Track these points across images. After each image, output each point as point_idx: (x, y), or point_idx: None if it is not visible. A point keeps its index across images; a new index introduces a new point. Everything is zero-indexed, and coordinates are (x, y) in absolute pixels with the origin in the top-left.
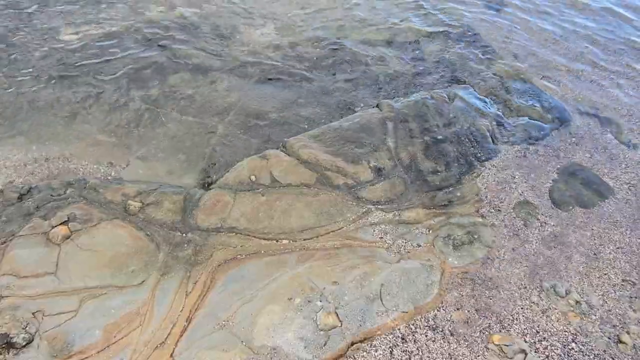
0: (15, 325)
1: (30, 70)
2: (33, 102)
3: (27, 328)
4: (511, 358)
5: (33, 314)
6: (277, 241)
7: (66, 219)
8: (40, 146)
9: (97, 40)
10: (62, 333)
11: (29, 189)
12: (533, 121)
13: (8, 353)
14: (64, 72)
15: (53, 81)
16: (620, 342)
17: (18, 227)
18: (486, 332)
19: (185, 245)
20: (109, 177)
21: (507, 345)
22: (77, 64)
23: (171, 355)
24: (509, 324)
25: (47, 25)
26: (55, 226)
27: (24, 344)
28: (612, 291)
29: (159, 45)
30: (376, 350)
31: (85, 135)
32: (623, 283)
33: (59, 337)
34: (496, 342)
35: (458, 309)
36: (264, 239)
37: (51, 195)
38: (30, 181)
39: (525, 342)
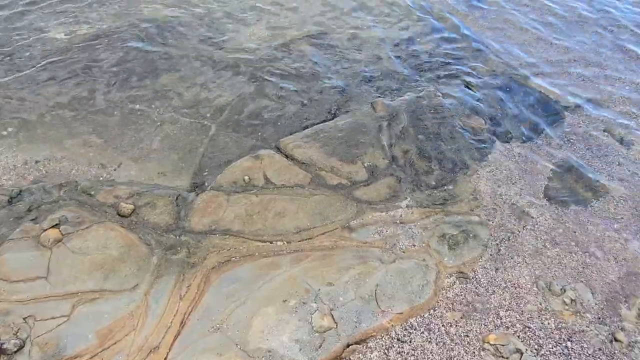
0: (6, 330)
1: (20, 70)
2: (22, 102)
3: (18, 333)
4: (507, 358)
5: (24, 319)
6: (271, 243)
7: (57, 222)
8: (30, 148)
9: (88, 40)
10: (54, 338)
11: (19, 192)
12: (527, 119)
13: None
14: (54, 72)
15: (43, 81)
16: (616, 340)
17: (8, 231)
18: (482, 332)
19: (179, 247)
20: (101, 179)
21: (503, 345)
22: (67, 64)
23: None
24: (504, 324)
25: (37, 25)
26: (46, 229)
27: (15, 349)
28: (607, 289)
29: (150, 45)
30: (372, 352)
31: (76, 136)
32: (618, 280)
33: (51, 343)
34: (492, 342)
35: (454, 309)
36: (258, 240)
37: (42, 198)
38: (20, 184)
39: (521, 341)
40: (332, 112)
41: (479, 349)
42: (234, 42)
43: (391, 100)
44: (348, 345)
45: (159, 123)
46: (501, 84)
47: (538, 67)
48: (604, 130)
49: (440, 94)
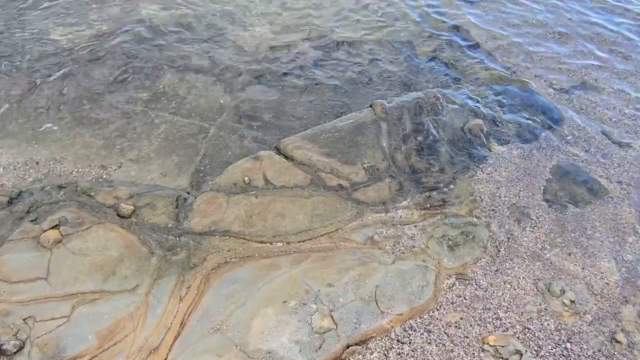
0: (5, 331)
1: (21, 71)
2: (22, 104)
3: (18, 334)
4: (507, 359)
5: (24, 320)
6: (271, 244)
7: (57, 223)
8: (30, 149)
9: (88, 41)
10: (54, 339)
11: (19, 193)
12: (526, 121)
13: None
14: (54, 73)
15: (43, 82)
16: (615, 341)
17: (8, 232)
18: (481, 333)
19: (179, 248)
20: (101, 180)
21: (502, 346)
22: (67, 65)
23: None
24: (504, 325)
25: (37, 26)
26: (46, 230)
27: (15, 350)
28: (607, 290)
29: (150, 46)
30: (371, 353)
31: (77, 137)
32: (617, 281)
33: (50, 344)
34: (492, 343)
35: (453, 310)
36: (258, 241)
37: (42, 198)
38: (20, 185)
39: (521, 342)
40: (332, 113)
41: (479, 350)
42: (234, 43)
43: (391, 102)
44: (348, 346)
45: (159, 124)
46: (501, 86)
47: (538, 69)
48: (603, 132)
49: (439, 96)
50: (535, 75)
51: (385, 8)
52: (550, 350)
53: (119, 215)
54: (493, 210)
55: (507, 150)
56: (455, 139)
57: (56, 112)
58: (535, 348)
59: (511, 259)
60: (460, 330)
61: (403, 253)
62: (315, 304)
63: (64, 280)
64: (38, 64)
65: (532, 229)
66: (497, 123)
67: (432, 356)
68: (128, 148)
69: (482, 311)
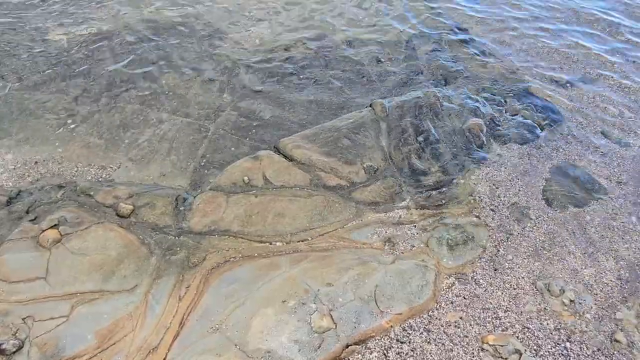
0: (5, 331)
1: (19, 71)
2: (22, 104)
3: (17, 334)
4: (506, 358)
5: (23, 319)
6: (270, 243)
7: (56, 223)
8: (29, 149)
9: (87, 41)
10: (53, 339)
11: (19, 192)
12: (526, 121)
13: None
14: (53, 73)
15: (42, 82)
16: (615, 340)
17: (7, 231)
18: (481, 333)
19: (178, 248)
20: (100, 180)
21: (501, 346)
22: (66, 65)
23: None
24: (503, 324)
25: (35, 26)
26: (45, 230)
27: (14, 350)
28: (606, 289)
29: (150, 46)
30: (371, 353)
31: (76, 137)
32: (617, 281)
33: (49, 343)
34: (491, 343)
35: (452, 310)
36: (258, 241)
37: (41, 198)
38: (19, 184)
39: (520, 342)
40: (332, 113)
41: (478, 349)
42: (234, 43)
43: (390, 102)
44: (347, 346)
45: (158, 124)
46: (500, 86)
47: (538, 69)
48: (602, 132)
49: (439, 96)
50: (535, 75)
51: (384, 8)
52: (550, 350)
53: (118, 215)
54: (492, 209)
55: (506, 150)
56: (454, 138)
57: (55, 112)
58: (535, 347)
59: (511, 259)
60: (459, 330)
61: (402, 253)
62: (314, 303)
63: (63, 280)
64: (37, 64)
65: (531, 229)
66: (497, 123)
67: (431, 355)
68: (127, 147)
69: (481, 311)
